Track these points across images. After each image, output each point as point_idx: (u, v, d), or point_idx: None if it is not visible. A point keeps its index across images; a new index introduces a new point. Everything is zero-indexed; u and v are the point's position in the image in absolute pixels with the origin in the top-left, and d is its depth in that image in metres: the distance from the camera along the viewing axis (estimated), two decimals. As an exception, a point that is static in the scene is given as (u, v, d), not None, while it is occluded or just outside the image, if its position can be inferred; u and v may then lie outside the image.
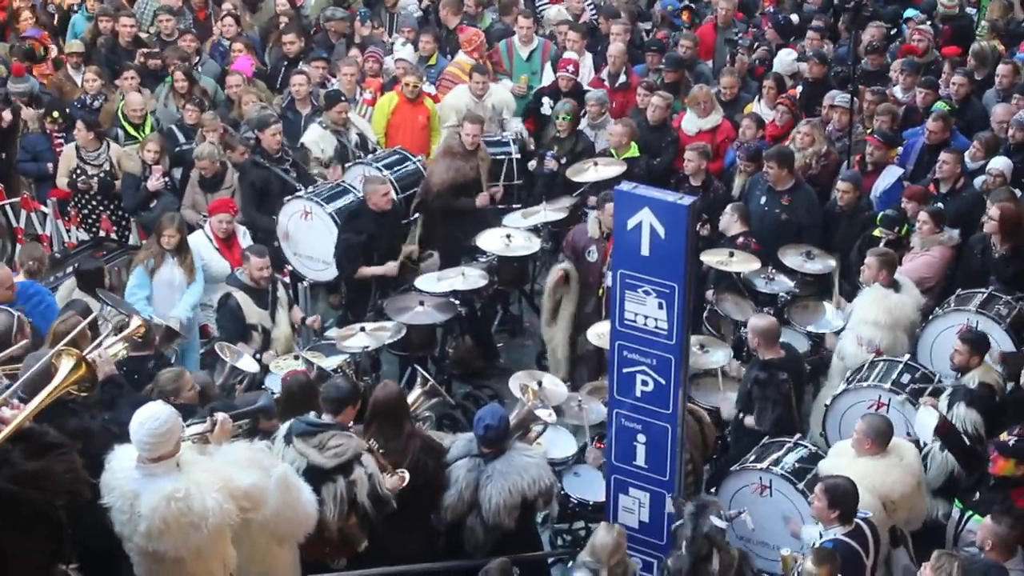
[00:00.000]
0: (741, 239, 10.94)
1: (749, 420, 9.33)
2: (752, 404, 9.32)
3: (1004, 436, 8.10)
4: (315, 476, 7.45)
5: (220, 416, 7.10)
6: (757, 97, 13.38)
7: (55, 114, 12.96)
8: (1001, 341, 9.56)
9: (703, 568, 7.57)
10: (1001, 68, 13.05)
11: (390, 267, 11.25)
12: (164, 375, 8.22)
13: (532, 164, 12.96)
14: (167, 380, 8.16)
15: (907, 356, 9.69)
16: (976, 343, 9.08)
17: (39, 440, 6.08)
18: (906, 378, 9.41)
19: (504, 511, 7.93)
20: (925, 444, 8.75)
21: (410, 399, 8.77)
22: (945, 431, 8.56)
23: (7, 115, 13.06)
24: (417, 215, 12.22)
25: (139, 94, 13.18)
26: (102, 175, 12.37)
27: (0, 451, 5.89)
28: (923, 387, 9.32)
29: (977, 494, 8.30)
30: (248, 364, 9.55)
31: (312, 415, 7.79)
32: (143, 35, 14.89)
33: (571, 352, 10.99)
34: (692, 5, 16.15)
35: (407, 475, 7.84)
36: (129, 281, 10.60)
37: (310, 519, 7.15)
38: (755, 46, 14.88)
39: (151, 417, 6.43)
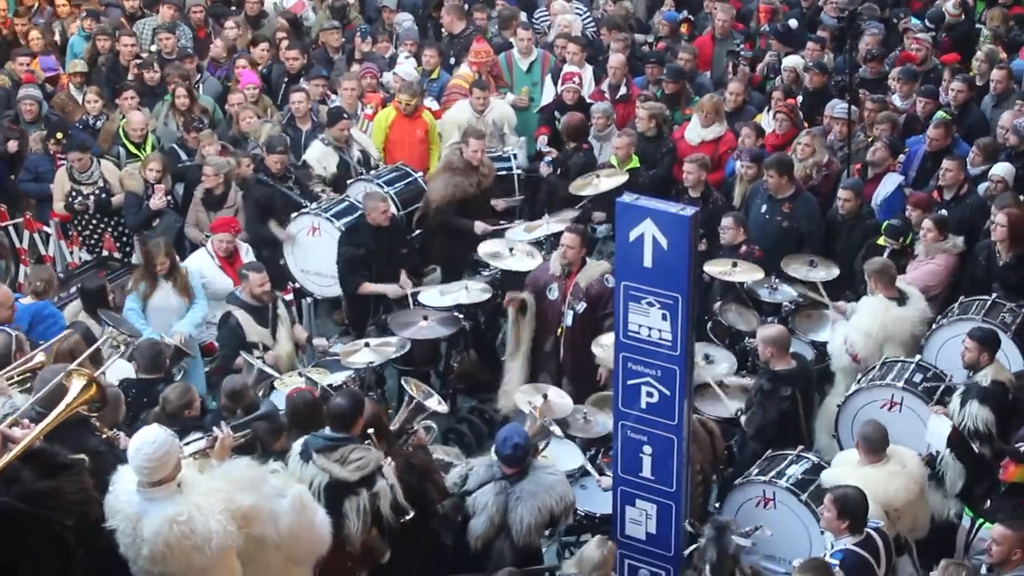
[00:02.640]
0: (744, 248, 10.94)
1: (744, 418, 9.38)
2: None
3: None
4: (338, 490, 7.45)
5: (220, 432, 7.08)
6: (766, 108, 13.37)
7: (58, 135, 12.97)
8: (1007, 349, 9.52)
9: None
10: (995, 74, 13.06)
11: (393, 288, 11.25)
12: (173, 392, 8.27)
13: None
14: (177, 396, 8.21)
15: (917, 357, 9.67)
16: (985, 340, 9.03)
17: (50, 460, 6.08)
18: (918, 377, 9.39)
19: (535, 531, 7.93)
20: (938, 452, 8.74)
21: (398, 421, 8.72)
22: (956, 440, 8.54)
23: (12, 145, 13.08)
24: (419, 231, 12.24)
25: (140, 113, 13.20)
26: (97, 192, 12.40)
27: (11, 470, 5.88)
28: (935, 386, 9.32)
29: (988, 502, 8.28)
30: (269, 370, 9.64)
31: (327, 430, 7.76)
32: (144, 55, 14.89)
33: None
34: (691, 17, 16.15)
35: None
36: (125, 305, 10.61)
37: (324, 542, 7.13)
38: (761, 57, 14.88)
39: (147, 442, 6.39)
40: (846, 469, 8.27)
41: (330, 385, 9.60)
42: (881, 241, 10.97)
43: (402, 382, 9.32)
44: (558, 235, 11.50)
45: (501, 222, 12.31)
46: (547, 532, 8.80)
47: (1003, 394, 8.88)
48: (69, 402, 6.53)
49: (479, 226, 12.03)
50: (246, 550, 6.71)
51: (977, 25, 15.45)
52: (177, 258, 10.96)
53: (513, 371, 10.60)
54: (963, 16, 15.35)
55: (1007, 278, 10.44)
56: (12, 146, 13.04)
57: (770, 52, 14.70)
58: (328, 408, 7.95)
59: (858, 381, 9.60)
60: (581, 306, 10.28)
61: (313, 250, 11.76)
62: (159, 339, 9.77)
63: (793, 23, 15.52)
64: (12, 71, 14.46)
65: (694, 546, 7.78)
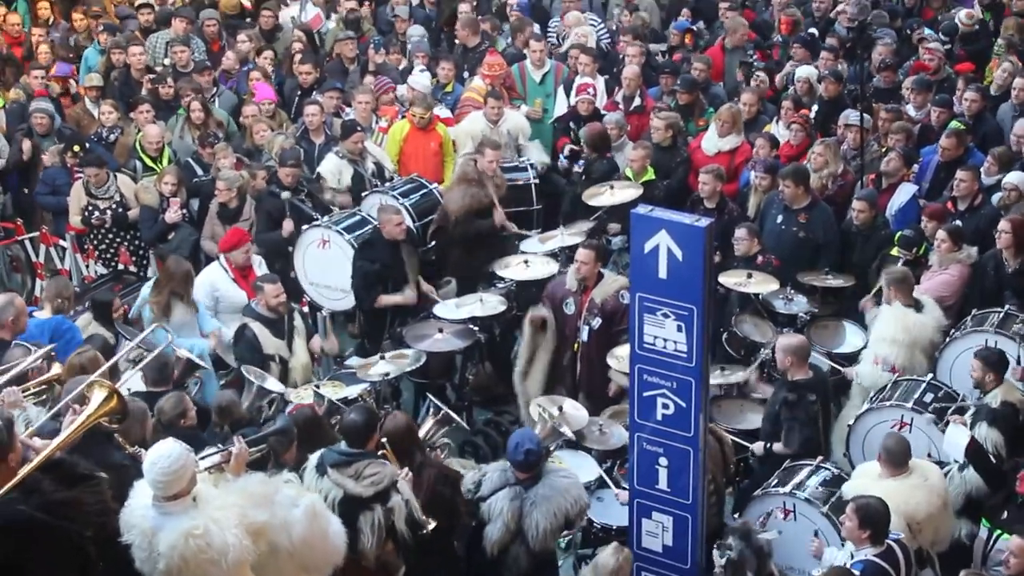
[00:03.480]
0: (760, 257, 10.93)
1: (778, 446, 9.26)
2: (780, 425, 9.28)
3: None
4: (352, 506, 7.45)
5: (235, 448, 7.09)
6: (776, 118, 13.36)
7: (75, 148, 13.01)
8: (1021, 360, 9.49)
9: None
10: (1018, 82, 12.94)
11: (408, 296, 11.24)
12: (167, 403, 8.26)
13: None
14: (172, 407, 8.22)
15: (930, 376, 9.64)
16: (990, 360, 9.02)
17: (70, 471, 6.10)
18: (929, 397, 9.36)
19: (551, 535, 7.96)
20: (955, 462, 8.72)
21: (423, 430, 8.76)
22: (973, 450, 8.51)
23: (27, 146, 13.15)
24: (433, 242, 12.25)
25: (156, 126, 13.25)
26: (113, 207, 12.45)
27: (32, 480, 5.90)
28: (946, 406, 9.27)
29: (1005, 513, 8.25)
30: (274, 385, 9.63)
31: (343, 445, 7.75)
32: (158, 69, 14.96)
33: None
34: (694, 28, 16.09)
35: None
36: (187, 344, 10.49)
37: (338, 552, 7.14)
38: (774, 67, 14.87)
39: (163, 456, 6.40)
40: (868, 481, 8.24)
41: (344, 399, 9.60)
42: (895, 252, 10.94)
43: (429, 397, 9.28)
44: (573, 247, 11.53)
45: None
46: (563, 545, 8.85)
47: (1013, 415, 8.83)
48: (90, 413, 6.56)
49: (498, 215, 12.03)
50: (259, 559, 6.72)
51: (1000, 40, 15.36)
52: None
53: (531, 389, 10.55)
54: (977, 27, 15.29)
55: (1017, 285, 10.43)
56: (27, 146, 13.07)
57: (791, 63, 14.66)
58: (342, 424, 7.95)
59: (870, 400, 9.57)
60: (596, 322, 10.28)
61: (323, 263, 11.76)
62: (171, 352, 9.76)
63: (815, 31, 15.49)
64: (27, 84, 14.51)
65: (723, 560, 7.69)
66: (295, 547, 6.90)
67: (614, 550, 7.63)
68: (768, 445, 9.34)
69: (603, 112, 13.67)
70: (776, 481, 8.77)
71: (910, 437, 8.94)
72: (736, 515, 9.04)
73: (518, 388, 10.76)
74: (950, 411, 9.14)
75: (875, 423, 9.36)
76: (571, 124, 13.64)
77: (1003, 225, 10.49)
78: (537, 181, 13.04)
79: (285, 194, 11.90)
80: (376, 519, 7.44)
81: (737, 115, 13.03)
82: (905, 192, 11.83)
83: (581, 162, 12.99)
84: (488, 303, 10.90)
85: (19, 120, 13.91)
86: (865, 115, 12.48)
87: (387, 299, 11.24)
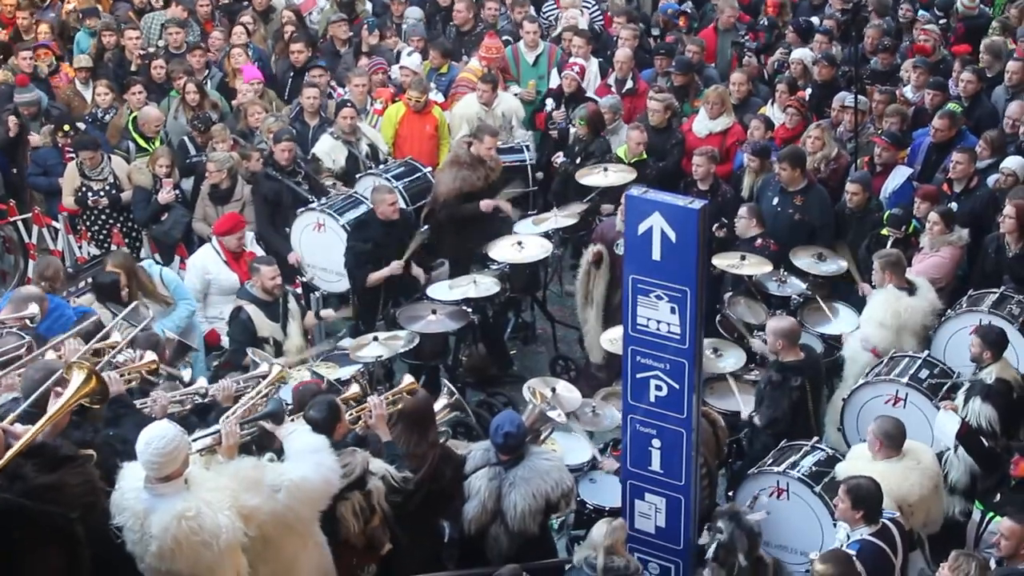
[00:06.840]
0: (759, 241, 10.92)
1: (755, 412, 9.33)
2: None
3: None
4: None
5: (226, 428, 7.07)
6: (770, 100, 13.34)
7: (66, 127, 12.97)
8: (1014, 340, 9.49)
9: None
10: (1011, 65, 12.92)
11: (394, 266, 11.22)
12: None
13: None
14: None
15: (926, 352, 9.65)
16: (988, 338, 9.03)
17: (52, 453, 6.08)
18: (924, 373, 9.38)
19: (529, 517, 7.98)
20: (947, 448, 8.72)
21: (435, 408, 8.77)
22: (965, 434, 8.53)
23: (12, 121, 13.08)
24: (426, 226, 12.23)
25: (155, 108, 13.22)
26: (107, 188, 12.41)
27: (13, 465, 5.89)
28: (941, 382, 9.31)
29: (998, 495, 8.28)
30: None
31: None
32: (151, 49, 14.91)
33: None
34: (687, 10, 16.03)
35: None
36: None
37: (332, 486, 7.12)
38: (764, 47, 14.83)
39: (157, 436, 6.41)
40: (861, 463, 8.26)
41: (338, 380, 9.58)
42: (885, 231, 10.95)
43: (445, 382, 9.36)
44: (566, 228, 11.54)
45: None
46: (556, 527, 8.85)
47: (1007, 392, 8.88)
48: (70, 395, 6.54)
49: (485, 203, 12.00)
50: (252, 547, 6.73)
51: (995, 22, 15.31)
52: (140, 271, 10.46)
53: (590, 321, 11.07)
54: (978, 11, 15.25)
55: (1016, 270, 10.44)
56: (12, 122, 13.08)
57: (780, 50, 14.60)
58: (305, 420, 7.88)
59: (865, 375, 9.58)
60: None
61: (318, 245, 11.75)
62: (160, 333, 9.71)
63: (812, 20, 15.42)
64: (15, 66, 14.42)
65: (715, 544, 7.72)
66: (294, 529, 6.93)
67: (605, 521, 7.66)
68: (752, 416, 9.39)
69: (592, 97, 13.62)
70: (771, 460, 8.78)
71: (904, 412, 9.00)
72: (730, 494, 9.05)
73: (580, 316, 11.31)
74: (944, 389, 9.15)
75: (870, 397, 9.37)
76: (547, 100, 13.71)
77: (1008, 210, 10.50)
78: (533, 162, 13.03)
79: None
80: (355, 505, 7.43)
81: (725, 96, 13.00)
82: (899, 175, 11.82)
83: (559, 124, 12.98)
84: (482, 284, 10.90)
85: (7, 101, 13.83)
86: (861, 97, 12.45)
87: (376, 275, 11.24)
